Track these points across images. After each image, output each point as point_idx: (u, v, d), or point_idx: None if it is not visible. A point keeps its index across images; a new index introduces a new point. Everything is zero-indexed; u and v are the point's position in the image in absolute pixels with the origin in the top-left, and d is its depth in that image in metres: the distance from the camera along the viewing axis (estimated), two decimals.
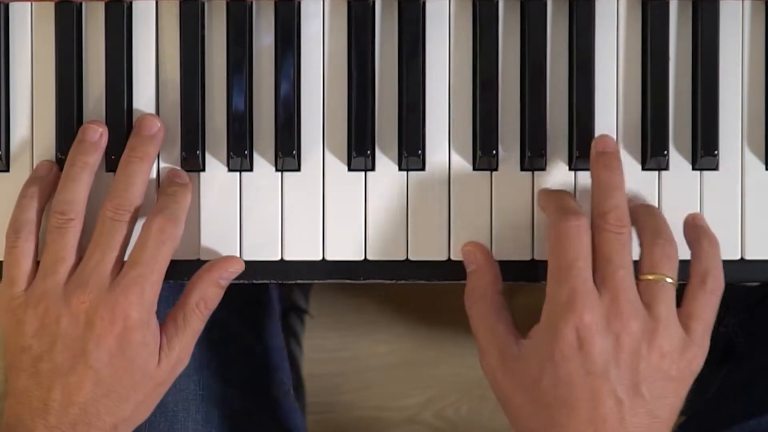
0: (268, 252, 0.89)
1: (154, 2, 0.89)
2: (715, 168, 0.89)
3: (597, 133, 0.88)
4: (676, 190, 0.89)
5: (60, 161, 0.88)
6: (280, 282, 0.90)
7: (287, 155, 0.88)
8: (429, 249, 0.89)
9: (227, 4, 0.89)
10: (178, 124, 0.88)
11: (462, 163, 0.89)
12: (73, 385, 0.82)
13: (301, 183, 0.89)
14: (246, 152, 0.88)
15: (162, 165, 0.89)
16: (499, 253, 0.88)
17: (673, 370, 0.82)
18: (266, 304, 1.10)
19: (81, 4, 0.89)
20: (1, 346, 0.86)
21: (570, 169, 0.89)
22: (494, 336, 0.85)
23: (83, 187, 0.86)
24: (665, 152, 0.88)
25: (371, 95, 0.88)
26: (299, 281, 0.89)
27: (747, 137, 0.89)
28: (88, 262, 0.84)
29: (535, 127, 0.88)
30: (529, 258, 0.89)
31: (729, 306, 1.07)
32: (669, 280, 0.83)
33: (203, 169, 0.89)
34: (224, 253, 0.88)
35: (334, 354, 1.44)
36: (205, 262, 0.87)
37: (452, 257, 0.89)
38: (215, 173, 0.89)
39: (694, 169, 0.89)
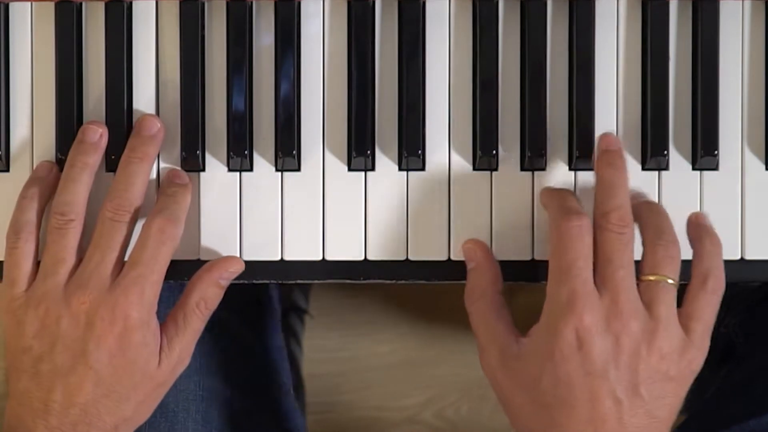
0: (268, 252, 0.89)
1: (154, 2, 0.89)
2: (715, 168, 0.89)
3: (597, 133, 0.88)
4: (676, 190, 0.89)
5: (60, 162, 0.88)
6: (280, 282, 0.90)
7: (287, 155, 0.87)
8: (429, 249, 0.89)
9: (227, 4, 0.88)
10: (178, 124, 0.88)
11: (462, 163, 0.89)
12: (73, 385, 0.82)
13: (301, 183, 0.89)
14: (246, 152, 0.88)
15: (162, 165, 0.89)
16: (499, 253, 0.88)
17: (672, 371, 0.82)
18: (266, 304, 1.10)
19: (81, 4, 0.89)
20: (2, 347, 0.86)
21: (570, 169, 0.89)
22: (494, 335, 0.85)
23: (83, 187, 0.86)
24: (665, 152, 0.88)
25: (371, 95, 0.88)
26: (299, 281, 0.89)
27: (747, 137, 0.89)
28: (88, 262, 0.84)
29: (535, 127, 0.88)
30: (529, 258, 0.89)
31: (729, 306, 1.07)
32: (670, 281, 0.83)
33: (203, 169, 0.89)
34: (224, 253, 0.88)
35: (334, 354, 1.44)
36: (205, 262, 0.87)
37: (452, 257, 0.89)
38: (215, 173, 0.89)
39: (694, 169, 0.89)
